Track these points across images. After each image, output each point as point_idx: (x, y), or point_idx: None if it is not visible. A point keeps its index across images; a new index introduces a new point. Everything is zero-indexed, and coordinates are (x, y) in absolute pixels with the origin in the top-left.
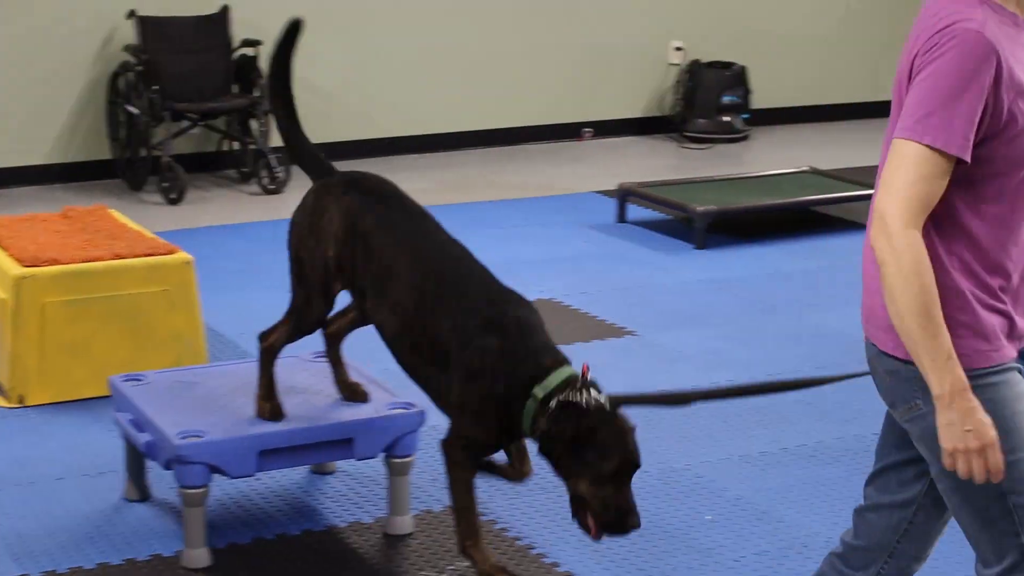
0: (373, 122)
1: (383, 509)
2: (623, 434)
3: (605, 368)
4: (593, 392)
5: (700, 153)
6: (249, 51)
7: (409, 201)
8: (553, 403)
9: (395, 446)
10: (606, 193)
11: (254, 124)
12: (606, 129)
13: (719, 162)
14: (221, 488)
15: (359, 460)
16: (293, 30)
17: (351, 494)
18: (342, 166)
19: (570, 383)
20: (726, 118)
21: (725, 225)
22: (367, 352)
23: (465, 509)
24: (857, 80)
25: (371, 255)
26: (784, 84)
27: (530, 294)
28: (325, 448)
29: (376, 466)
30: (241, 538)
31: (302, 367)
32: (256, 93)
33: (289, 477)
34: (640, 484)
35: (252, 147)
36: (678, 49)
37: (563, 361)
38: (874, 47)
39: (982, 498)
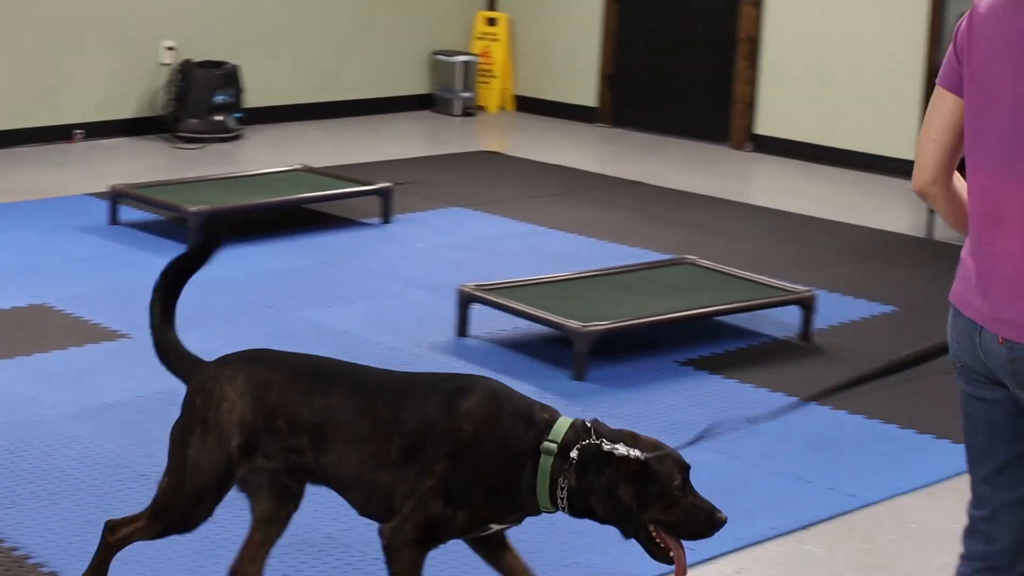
0: None
1: None
2: (659, 446)
3: (100, 372)
4: (601, 427)
5: (193, 153)
6: None
7: (298, 354)
8: (574, 453)
9: None
10: (98, 195)
11: None
12: (96, 130)
13: (212, 162)
14: None
15: None
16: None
17: None
18: None
19: (578, 428)
20: (219, 117)
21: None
22: None
23: None
24: (349, 78)
25: (295, 412)
26: (277, 83)
27: (18, 300)
28: None
29: None
30: None
31: None
32: None
33: None
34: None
35: None
36: (169, 49)
37: (555, 411)
38: (359, 46)
39: None
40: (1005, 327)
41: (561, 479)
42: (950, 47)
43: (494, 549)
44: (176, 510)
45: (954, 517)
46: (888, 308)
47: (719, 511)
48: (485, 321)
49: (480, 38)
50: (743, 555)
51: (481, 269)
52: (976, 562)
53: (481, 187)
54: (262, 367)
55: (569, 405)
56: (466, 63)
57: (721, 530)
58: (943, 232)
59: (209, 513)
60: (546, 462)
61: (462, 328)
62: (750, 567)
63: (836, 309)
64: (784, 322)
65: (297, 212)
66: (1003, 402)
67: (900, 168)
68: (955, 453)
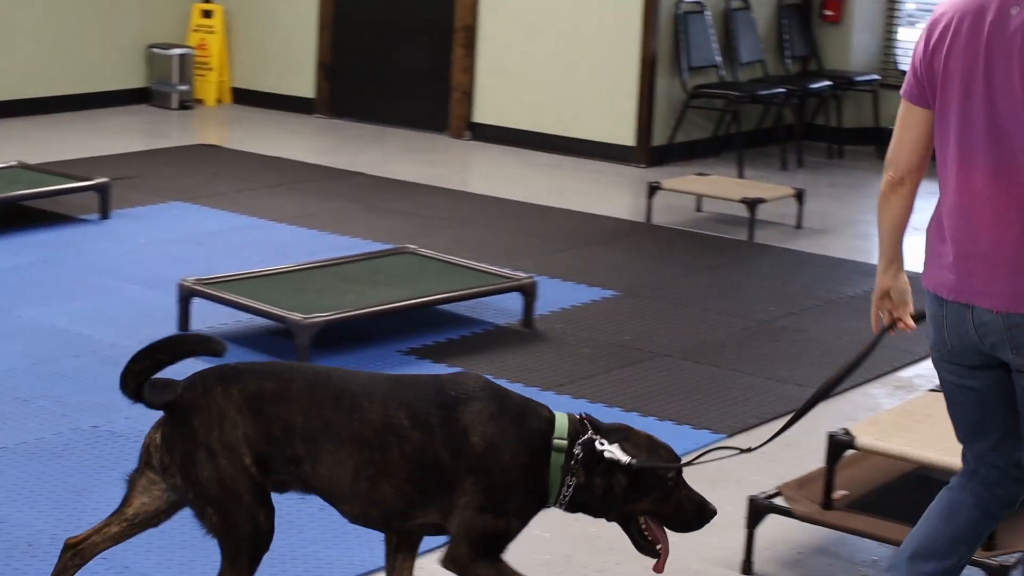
0: None
1: None
2: (651, 439)
3: None
4: (596, 421)
5: None
6: None
7: (272, 363)
8: (577, 450)
9: None
10: None
11: None
12: None
13: None
14: None
15: None
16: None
17: None
18: None
19: (575, 424)
20: None
21: None
22: None
23: None
24: (63, 73)
25: (290, 421)
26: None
27: None
28: None
29: None
30: None
31: None
32: None
33: None
34: None
35: None
36: None
37: (547, 407)
38: (73, 39)
39: None
40: (996, 299)
41: (568, 476)
42: (911, 63)
43: (403, 556)
44: (252, 531)
45: None
46: (608, 292)
47: (709, 503)
48: (207, 315)
49: (196, 30)
50: None
51: (202, 263)
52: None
53: (200, 181)
54: (252, 379)
55: None
56: (182, 56)
57: None
58: (661, 216)
59: (272, 520)
60: (557, 459)
61: (184, 323)
62: None
63: (557, 295)
64: (506, 309)
65: (14, 209)
66: (992, 382)
67: (618, 154)
68: (677, 434)
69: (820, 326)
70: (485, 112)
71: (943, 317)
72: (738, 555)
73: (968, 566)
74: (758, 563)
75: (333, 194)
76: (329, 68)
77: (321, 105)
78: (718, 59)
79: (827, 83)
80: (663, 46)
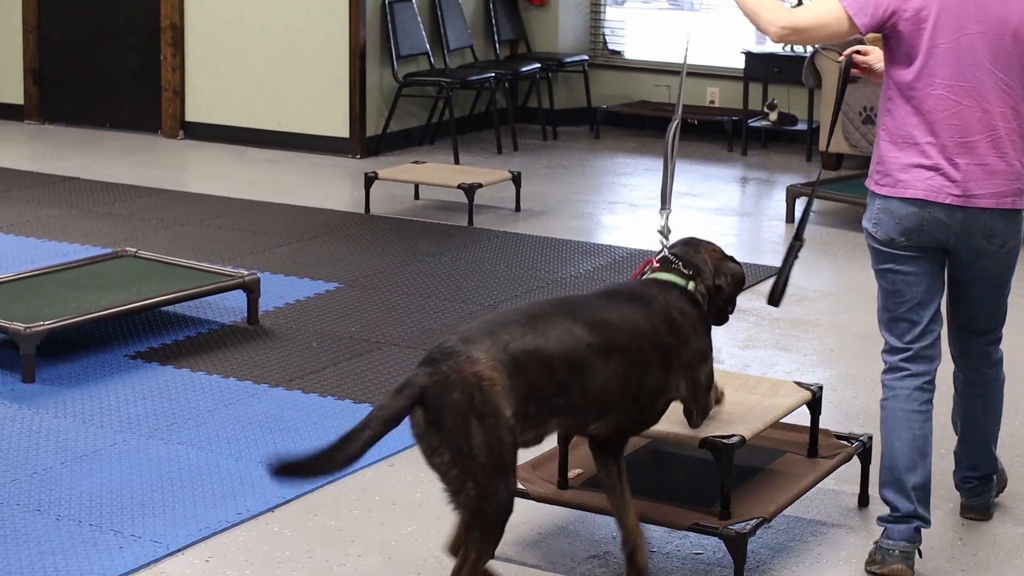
0: None
1: None
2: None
3: None
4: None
5: None
6: None
7: (503, 311)
8: (693, 286)
9: None
10: None
11: None
12: None
13: None
14: None
15: None
16: None
17: None
18: None
19: (667, 263)
20: None
21: None
22: None
23: None
24: None
25: (547, 354)
26: None
27: None
28: None
29: None
30: None
31: None
32: None
33: None
34: None
35: None
36: None
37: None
38: None
39: (1006, 290)
40: (988, 199)
41: (714, 284)
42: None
43: (613, 467)
44: (503, 504)
45: (416, 486)
46: (331, 285)
47: None
48: None
49: None
50: (212, 542)
51: None
52: (920, 379)
53: None
54: (490, 336)
55: (21, 408)
56: None
57: (190, 521)
58: (379, 206)
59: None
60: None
61: None
62: (221, 554)
63: (281, 290)
64: (230, 307)
65: None
66: (936, 262)
67: (333, 146)
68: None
69: None
70: (197, 110)
71: (928, 214)
72: None
73: (705, 535)
74: (499, 545)
75: (49, 201)
76: (37, 73)
77: (31, 111)
78: (427, 47)
79: (537, 66)
80: (372, 36)
